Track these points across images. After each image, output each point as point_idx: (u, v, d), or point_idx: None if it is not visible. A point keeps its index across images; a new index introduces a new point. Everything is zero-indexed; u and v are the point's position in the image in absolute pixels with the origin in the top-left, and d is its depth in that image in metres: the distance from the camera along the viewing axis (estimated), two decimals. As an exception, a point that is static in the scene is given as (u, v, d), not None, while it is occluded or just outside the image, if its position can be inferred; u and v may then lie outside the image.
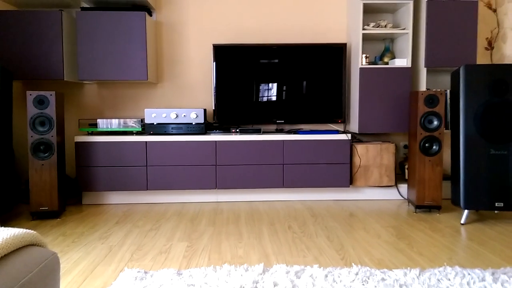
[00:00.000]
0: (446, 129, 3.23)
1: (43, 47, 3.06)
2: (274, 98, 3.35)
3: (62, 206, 2.86)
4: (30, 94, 2.69)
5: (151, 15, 3.40)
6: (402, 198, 3.31)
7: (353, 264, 1.95)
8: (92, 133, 3.17)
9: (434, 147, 2.89)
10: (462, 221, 2.66)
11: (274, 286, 1.68)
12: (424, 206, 2.91)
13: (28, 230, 1.18)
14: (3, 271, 1.01)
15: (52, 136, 2.71)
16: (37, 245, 1.23)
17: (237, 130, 3.26)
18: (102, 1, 3.18)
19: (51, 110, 2.71)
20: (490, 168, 2.60)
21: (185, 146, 3.11)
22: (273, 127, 3.53)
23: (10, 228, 1.17)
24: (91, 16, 3.09)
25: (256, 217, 2.79)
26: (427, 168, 2.89)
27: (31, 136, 2.69)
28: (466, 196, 2.63)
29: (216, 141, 3.12)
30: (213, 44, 3.29)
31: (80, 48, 3.10)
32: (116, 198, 3.21)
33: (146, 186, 3.10)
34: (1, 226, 2.47)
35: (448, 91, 3.22)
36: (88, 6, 3.30)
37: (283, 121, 3.35)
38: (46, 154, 2.71)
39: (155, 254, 2.11)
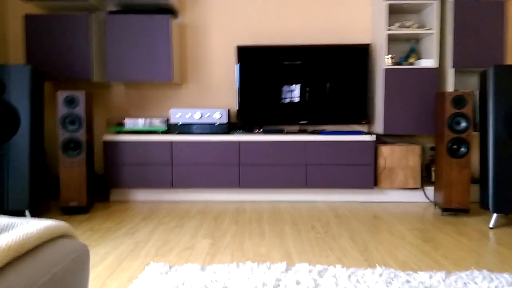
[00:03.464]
0: (474, 131, 3.16)
1: (72, 49, 3.16)
2: (297, 99, 3.35)
3: (91, 202, 2.95)
4: (61, 94, 2.79)
5: (176, 18, 3.46)
6: (428, 201, 3.25)
7: (377, 265, 1.93)
8: (120, 132, 3.25)
9: (462, 149, 2.83)
10: (491, 225, 2.60)
11: (297, 284, 1.68)
12: (451, 209, 2.85)
13: (60, 222, 1.22)
14: (37, 261, 1.05)
15: (81, 135, 2.79)
16: (69, 237, 1.27)
17: (260, 130, 3.27)
18: (128, 4, 3.26)
19: (80, 110, 2.79)
20: (521, 170, 2.52)
21: (209, 145, 3.15)
22: (296, 127, 3.53)
23: (43, 220, 1.21)
24: (119, 20, 3.18)
25: (279, 217, 2.80)
26: (455, 170, 2.83)
27: (62, 134, 2.78)
28: (495, 199, 2.56)
29: (239, 141, 3.15)
30: (237, 46, 3.32)
31: (108, 50, 3.19)
32: (142, 195, 3.27)
33: (171, 184, 3.16)
34: (33, 220, 2.57)
35: (477, 92, 3.15)
36: (115, 9, 3.39)
37: (306, 122, 3.35)
38: (76, 152, 2.80)
39: (179, 250, 2.14)
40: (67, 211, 2.84)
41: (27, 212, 2.62)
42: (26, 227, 1.11)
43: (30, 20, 3.15)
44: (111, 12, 3.25)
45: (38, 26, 3.15)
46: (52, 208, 3.05)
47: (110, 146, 3.14)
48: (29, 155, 2.58)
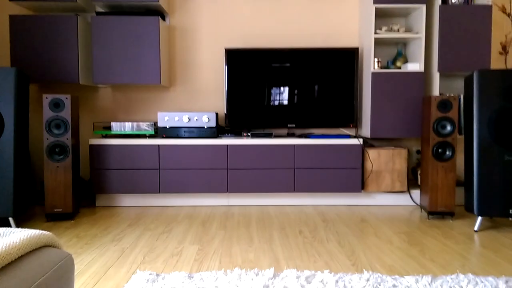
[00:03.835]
0: (459, 135, 3.20)
1: (58, 51, 3.12)
2: (285, 102, 3.35)
3: (76, 208, 2.91)
4: (46, 97, 2.75)
5: (164, 20, 3.44)
6: (415, 204, 3.28)
7: (364, 270, 1.94)
8: (106, 136, 3.21)
9: (447, 152, 2.86)
10: (476, 228, 2.63)
11: (285, 290, 1.68)
12: (437, 212, 2.88)
13: (43, 231, 1.20)
14: (19, 272, 1.03)
15: (67, 139, 2.76)
16: (53, 246, 1.25)
17: (249, 134, 3.27)
18: (116, 5, 3.23)
19: (66, 113, 2.75)
20: (504, 174, 2.56)
21: (197, 149, 3.13)
22: (284, 131, 3.54)
23: (26, 229, 1.19)
24: (105, 21, 3.14)
25: (267, 222, 2.80)
26: (440, 173, 2.86)
27: (47, 139, 2.74)
28: (479, 203, 2.60)
29: (227, 145, 3.14)
30: (225, 48, 3.32)
31: (95, 52, 3.15)
32: (128, 200, 3.24)
33: (159, 189, 3.13)
34: (17, 227, 2.52)
35: (462, 96, 3.19)
36: (103, 11, 3.36)
37: (294, 125, 3.36)
38: (61, 157, 2.76)
39: (166, 256, 2.13)
40: (52, 218, 2.80)
41: (11, 220, 2.57)
42: (9, 238, 1.09)
43: (15, 21, 3.09)
44: (98, 13, 3.22)
45: (24, 27, 3.10)
46: (37, 214, 3.00)
47: (96, 150, 3.10)
48: (14, 161, 2.53)
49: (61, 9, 3.32)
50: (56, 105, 2.75)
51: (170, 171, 3.13)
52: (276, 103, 3.36)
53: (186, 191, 3.15)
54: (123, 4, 3.19)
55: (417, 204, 3.28)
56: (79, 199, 3.03)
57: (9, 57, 3.46)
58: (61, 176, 2.76)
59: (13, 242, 1.06)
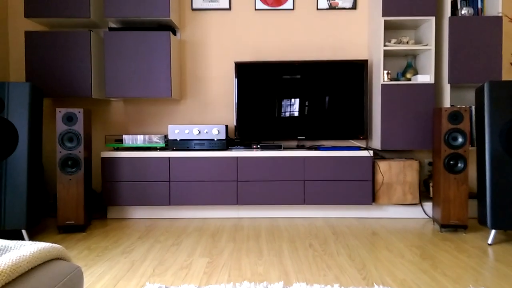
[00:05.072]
0: (471, 146, 3.16)
1: (72, 65, 3.19)
2: (295, 114, 3.36)
3: (88, 220, 2.94)
4: (60, 111, 2.80)
5: (175, 34, 3.50)
6: (427, 217, 3.24)
7: (375, 284, 1.92)
8: (118, 149, 3.26)
9: (459, 164, 2.83)
10: (489, 241, 2.58)
11: (294, 304, 1.67)
12: (450, 225, 2.84)
13: (54, 245, 1.22)
14: (30, 284, 1.05)
15: (79, 152, 2.80)
16: (63, 259, 1.27)
17: (258, 146, 3.28)
18: (129, 21, 3.30)
19: (79, 127, 2.80)
20: (518, 186, 2.52)
21: (207, 162, 3.15)
22: (294, 143, 3.54)
23: (37, 242, 1.21)
24: (118, 36, 3.21)
25: (277, 234, 2.79)
26: (452, 186, 2.83)
27: (60, 152, 2.79)
28: (493, 216, 2.56)
29: (237, 157, 3.15)
30: (235, 62, 3.35)
31: (107, 67, 3.21)
32: (139, 212, 3.26)
33: (169, 201, 3.15)
34: (29, 240, 2.55)
35: (473, 107, 3.16)
36: (115, 26, 3.43)
37: (304, 137, 3.36)
38: (74, 169, 2.80)
39: (176, 269, 2.13)
40: (64, 230, 2.83)
41: (24, 232, 2.60)
42: (20, 251, 1.11)
43: (30, 37, 3.18)
44: (111, 29, 3.28)
45: (39, 42, 3.18)
46: (50, 226, 3.03)
47: (108, 163, 3.14)
48: (27, 174, 2.58)
49: (75, 25, 3.41)
50: (69, 118, 2.80)
51: (180, 183, 3.15)
52: (286, 115, 3.37)
53: (196, 203, 3.16)
54: (135, 20, 3.26)
55: (429, 216, 3.23)
56: (91, 211, 3.06)
57: (24, 72, 3.55)
58: (73, 188, 2.80)
59: (23, 255, 1.08)
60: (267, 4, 3.54)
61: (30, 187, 2.60)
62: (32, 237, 2.72)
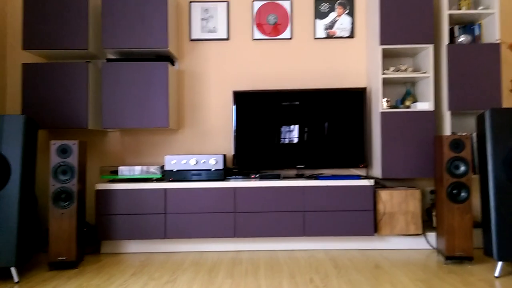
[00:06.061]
0: (474, 174, 3.09)
1: (68, 97, 3.17)
2: (294, 144, 3.32)
3: (80, 255, 2.84)
4: (54, 144, 2.76)
5: (173, 65, 3.49)
6: (431, 248, 3.14)
7: (378, 325, 1.82)
8: (113, 181, 3.19)
9: (462, 193, 2.76)
10: (496, 274, 2.49)
11: None
12: (455, 257, 2.74)
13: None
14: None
15: (73, 185, 2.74)
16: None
17: (257, 175, 3.22)
18: (127, 52, 3.30)
19: (73, 159, 2.75)
20: (524, 217, 2.44)
21: (204, 193, 3.08)
22: (293, 172, 3.48)
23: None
24: (115, 67, 3.20)
25: (276, 269, 2.69)
26: (456, 216, 2.75)
27: (53, 185, 2.73)
28: (499, 247, 2.47)
29: (235, 188, 3.08)
30: (233, 91, 3.33)
31: (104, 98, 3.19)
32: (134, 246, 3.17)
33: (164, 234, 3.06)
34: (18, 278, 2.45)
35: (474, 134, 3.11)
36: (113, 57, 3.43)
37: (303, 166, 3.30)
38: (67, 203, 2.73)
39: (170, 309, 2.03)
40: (55, 266, 2.73)
41: (13, 270, 2.50)
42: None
43: (28, 69, 3.17)
44: (109, 60, 3.28)
45: (36, 74, 3.17)
46: (41, 262, 2.93)
47: (102, 195, 3.07)
48: (19, 209, 2.51)
49: (73, 57, 3.41)
50: (64, 151, 2.75)
51: (176, 215, 3.07)
52: (285, 144, 3.32)
53: (193, 236, 3.07)
54: (134, 51, 3.26)
55: (433, 247, 3.13)
56: (84, 246, 2.97)
57: (20, 103, 3.53)
58: (65, 223, 2.72)
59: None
60: (265, 34, 3.55)
61: (21, 223, 2.52)
62: (21, 274, 2.62)
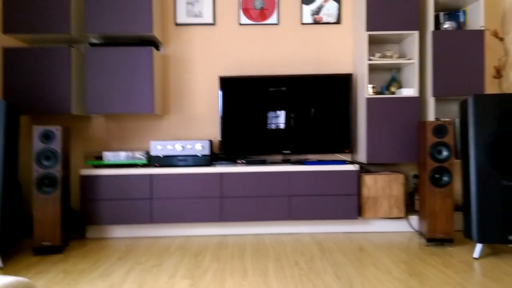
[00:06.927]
0: (456, 159, 3.16)
1: (51, 82, 3.11)
2: (280, 129, 3.33)
3: (65, 241, 2.83)
4: (37, 129, 2.72)
5: (158, 50, 3.45)
6: (413, 230, 3.21)
7: (361, 304, 1.87)
8: (98, 166, 3.17)
9: (444, 178, 2.82)
10: (476, 255, 2.56)
11: (278, 330, 1.60)
12: (436, 239, 2.81)
13: (20, 278, 1.15)
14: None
15: (57, 171, 2.71)
16: (29, 292, 1.19)
17: (243, 161, 3.23)
18: (110, 36, 3.24)
19: (56, 145, 2.72)
20: (503, 200, 2.51)
21: (190, 178, 3.08)
22: (279, 157, 3.50)
23: (3, 276, 1.14)
24: (99, 52, 3.15)
25: (262, 252, 2.72)
26: (438, 199, 2.81)
27: (36, 171, 2.70)
28: (479, 229, 2.54)
29: (221, 173, 3.09)
30: (219, 76, 3.31)
31: (88, 83, 3.14)
32: (120, 231, 3.17)
33: (150, 219, 3.07)
34: (2, 263, 2.44)
35: (457, 119, 3.17)
36: (97, 42, 3.37)
37: (290, 152, 3.32)
38: (51, 189, 2.71)
39: (156, 293, 2.05)
40: (40, 252, 2.72)
41: (-3, 255, 2.49)
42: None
43: (8, 53, 3.10)
44: (92, 44, 3.22)
45: (17, 59, 3.10)
46: (25, 248, 2.91)
47: (87, 181, 3.05)
48: (1, 194, 2.47)
49: (55, 41, 3.33)
50: (47, 136, 2.72)
51: (163, 200, 3.07)
52: (271, 130, 3.33)
53: (179, 220, 3.08)
54: (117, 35, 3.20)
55: (415, 230, 3.20)
56: (69, 231, 2.95)
57: (1, 89, 3.45)
58: (50, 208, 2.70)
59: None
60: (251, 19, 3.53)
61: (4, 209, 2.49)
62: (6, 260, 2.60)
